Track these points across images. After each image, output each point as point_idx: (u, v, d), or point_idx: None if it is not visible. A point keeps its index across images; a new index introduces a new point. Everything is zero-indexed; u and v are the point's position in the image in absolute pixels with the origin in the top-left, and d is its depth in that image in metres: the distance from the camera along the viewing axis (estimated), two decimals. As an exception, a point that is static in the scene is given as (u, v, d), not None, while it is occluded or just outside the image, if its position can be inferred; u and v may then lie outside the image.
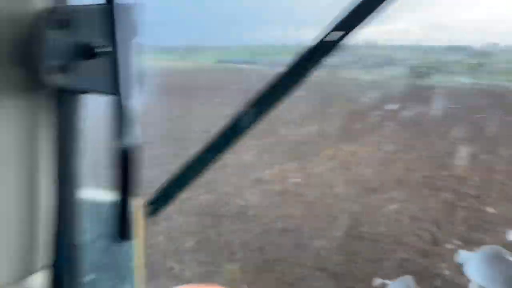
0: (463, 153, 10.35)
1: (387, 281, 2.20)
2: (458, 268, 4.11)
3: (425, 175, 7.95)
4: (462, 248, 4.69)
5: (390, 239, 5.07)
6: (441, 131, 13.04)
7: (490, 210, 5.94)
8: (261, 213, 5.73)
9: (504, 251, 2.15)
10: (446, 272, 4.02)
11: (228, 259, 4.55)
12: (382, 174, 8.23)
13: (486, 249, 2.27)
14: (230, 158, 9.39)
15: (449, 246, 4.74)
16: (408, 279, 2.05)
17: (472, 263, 2.22)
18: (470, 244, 4.80)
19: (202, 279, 4.13)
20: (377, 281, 2.38)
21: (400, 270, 4.11)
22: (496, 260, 2.14)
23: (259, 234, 5.20)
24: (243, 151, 10.10)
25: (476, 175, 8.01)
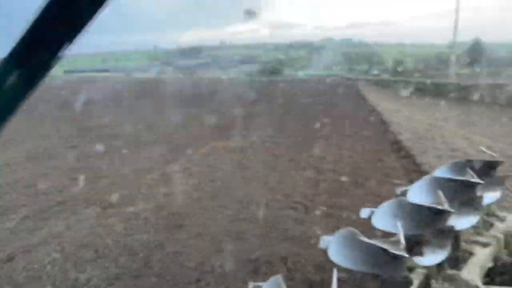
0: (317, 137, 12.05)
1: (260, 284, 2.17)
2: (328, 229, 5.04)
3: (291, 157, 9.11)
4: (328, 211, 5.72)
5: (279, 193, 5.82)
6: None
7: (344, 178, 7.26)
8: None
9: (357, 232, 2.31)
10: (318, 232, 4.88)
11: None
12: (257, 158, 9.12)
13: (342, 232, 2.38)
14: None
15: (317, 211, 5.70)
16: (279, 279, 2.07)
17: (332, 246, 2.35)
18: (333, 207, 5.87)
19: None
20: (250, 285, 2.33)
21: (283, 236, 4.84)
22: (350, 241, 2.32)
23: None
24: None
25: (330, 155, 9.50)
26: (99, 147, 10.59)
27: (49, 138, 13.13)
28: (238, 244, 4.63)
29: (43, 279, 4.08)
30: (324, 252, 4.21)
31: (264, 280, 2.16)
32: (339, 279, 2.03)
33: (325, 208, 5.84)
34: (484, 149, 3.91)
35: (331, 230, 4.74)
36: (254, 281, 2.38)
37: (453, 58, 29.05)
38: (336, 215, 5.52)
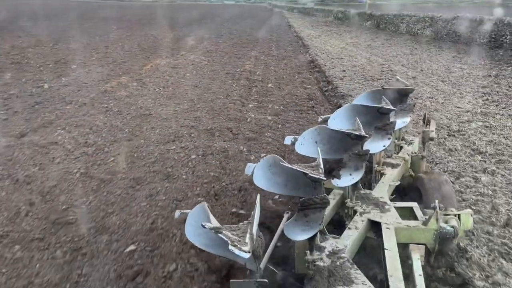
0: (249, 56, 13.96)
1: (186, 211, 2.19)
2: (261, 115, 7.21)
3: (228, 72, 11.01)
4: (258, 105, 7.87)
5: (222, 94, 7.77)
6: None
7: (270, 85, 9.44)
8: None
9: (279, 158, 2.40)
10: (252, 115, 7.03)
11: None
12: (199, 73, 10.87)
13: (265, 158, 2.46)
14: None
15: (251, 105, 7.83)
16: (204, 205, 2.14)
17: (256, 172, 2.43)
18: (262, 102, 8.03)
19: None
20: (177, 213, 2.46)
21: (228, 118, 6.90)
22: (273, 167, 2.43)
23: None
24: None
25: (259, 70, 11.55)
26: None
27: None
28: (196, 124, 6.60)
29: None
30: (255, 122, 6.43)
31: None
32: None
33: (256, 103, 7.99)
34: (398, 77, 4.12)
35: (261, 113, 6.97)
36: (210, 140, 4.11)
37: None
38: (264, 106, 7.72)
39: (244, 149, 5.46)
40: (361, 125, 2.74)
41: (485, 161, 4.89)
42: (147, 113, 7.18)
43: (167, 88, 9.13)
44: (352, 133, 2.70)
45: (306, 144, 2.84)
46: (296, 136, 3.06)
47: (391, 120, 3.15)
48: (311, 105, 7.72)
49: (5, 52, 13.05)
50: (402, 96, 3.70)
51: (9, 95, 8.25)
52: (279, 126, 6.52)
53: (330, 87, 9.23)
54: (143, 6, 63.48)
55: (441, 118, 6.52)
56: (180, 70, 11.12)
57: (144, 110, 7.39)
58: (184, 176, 4.64)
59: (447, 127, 6.13)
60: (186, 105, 7.69)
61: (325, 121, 3.33)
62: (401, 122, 3.53)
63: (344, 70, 11.07)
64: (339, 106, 7.47)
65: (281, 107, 7.65)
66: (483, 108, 7.11)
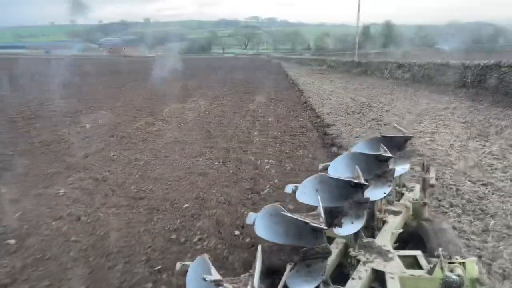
0: (252, 100, 16.47)
1: (187, 263, 2.28)
2: (264, 138, 9.48)
3: (235, 112, 13.42)
4: (261, 132, 10.15)
5: (232, 127, 10.01)
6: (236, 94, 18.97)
7: (270, 119, 11.80)
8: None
9: (280, 208, 2.40)
10: (257, 139, 9.28)
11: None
12: (211, 113, 13.27)
13: (266, 208, 2.46)
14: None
15: (255, 132, 10.11)
16: (205, 257, 2.10)
17: (257, 222, 2.43)
18: (264, 131, 10.30)
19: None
20: (178, 265, 2.47)
21: (238, 141, 9.12)
22: (275, 217, 2.42)
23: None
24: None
25: (260, 109, 13.97)
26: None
27: None
28: (214, 145, 8.82)
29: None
30: (260, 143, 8.75)
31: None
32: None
33: (259, 131, 10.28)
34: (396, 125, 4.32)
35: (263, 137, 9.27)
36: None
37: (356, 39, 35.48)
38: (265, 133, 9.98)
39: (252, 158, 7.66)
40: (360, 173, 2.79)
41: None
42: (175, 141, 9.44)
43: (186, 124, 11.47)
44: (352, 181, 2.74)
45: (307, 192, 2.84)
46: (297, 185, 3.09)
47: (390, 167, 3.19)
48: (302, 131, 10.00)
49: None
50: (400, 143, 3.75)
51: (63, 133, 10.56)
52: (277, 144, 8.77)
53: (318, 120, 11.56)
54: (143, 60, 68.00)
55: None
56: (194, 112, 13.54)
57: (173, 138, 9.66)
58: (212, 174, 6.81)
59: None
60: (204, 135, 9.97)
61: (325, 169, 3.33)
62: (400, 168, 3.55)
63: (331, 107, 13.49)
64: (325, 133, 9.79)
65: (279, 133, 9.93)
66: (431, 129, 9.37)
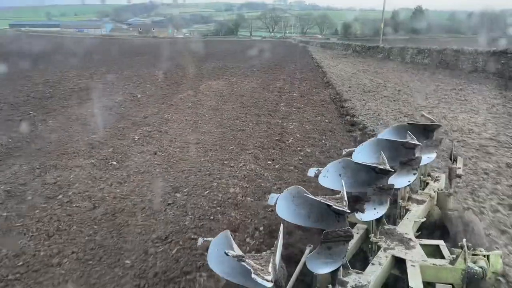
0: (279, 79, 18.34)
1: (209, 238, 2.19)
2: (289, 108, 11.42)
3: (263, 88, 15.35)
4: (287, 105, 12.07)
5: (261, 99, 11.93)
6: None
7: (295, 94, 13.69)
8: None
9: (303, 189, 2.40)
10: (283, 109, 11.20)
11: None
12: (243, 89, 15.25)
13: (289, 189, 2.47)
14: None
15: (282, 104, 12.02)
16: (227, 233, 2.11)
17: (279, 203, 2.45)
18: (289, 105, 12.20)
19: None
20: (200, 240, 2.47)
21: (267, 110, 11.06)
22: (297, 198, 2.45)
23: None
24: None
25: (286, 87, 15.81)
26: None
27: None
28: (248, 112, 10.78)
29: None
30: (285, 111, 10.74)
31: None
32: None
33: (285, 104, 12.17)
34: (424, 114, 4.33)
35: (288, 107, 11.25)
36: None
37: (382, 25, 36.54)
38: (290, 105, 11.87)
39: (279, 121, 9.62)
40: (386, 159, 2.77)
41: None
42: (215, 108, 11.46)
43: (222, 97, 13.48)
44: (377, 167, 2.72)
45: (330, 176, 2.86)
46: (320, 168, 3.06)
47: (416, 155, 3.16)
48: (322, 104, 11.86)
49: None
50: (428, 132, 3.71)
51: (119, 100, 12.76)
52: (300, 112, 10.68)
53: (337, 96, 13.35)
54: (172, 41, 70.34)
55: (404, 107, 10.51)
56: (227, 87, 15.53)
57: (213, 107, 11.69)
58: (247, 130, 8.81)
59: (409, 114, 10.11)
60: (238, 104, 11.96)
61: (349, 154, 3.31)
62: (426, 158, 3.52)
63: (350, 87, 15.22)
64: (341, 106, 11.59)
65: (302, 105, 11.82)
66: (433, 104, 11.05)
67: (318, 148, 7.44)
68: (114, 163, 6.66)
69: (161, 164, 6.58)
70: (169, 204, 5.08)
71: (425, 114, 4.46)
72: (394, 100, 11.96)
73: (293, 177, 5.95)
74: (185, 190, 5.51)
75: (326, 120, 9.76)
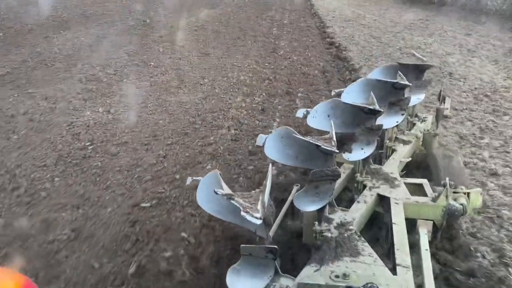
0: (270, 9, 20.34)
1: (198, 178, 2.29)
2: (280, 32, 13.82)
3: (257, 16, 17.53)
4: (277, 29, 14.45)
5: (256, 25, 14.27)
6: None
7: (285, 21, 15.99)
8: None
9: (291, 130, 2.45)
10: (275, 31, 13.61)
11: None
12: (238, 17, 17.41)
13: (278, 130, 2.52)
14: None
15: (273, 30, 14.39)
16: (216, 173, 2.18)
17: (268, 143, 2.51)
18: (280, 29, 14.56)
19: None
20: (188, 179, 2.53)
21: (262, 33, 13.44)
22: (285, 138, 2.50)
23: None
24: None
25: (278, 16, 17.99)
26: None
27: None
28: (245, 33, 13.14)
29: None
30: (276, 35, 13.26)
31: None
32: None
33: (276, 28, 14.52)
34: (414, 52, 4.08)
35: (280, 31, 13.70)
36: None
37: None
38: (281, 29, 14.25)
39: (272, 40, 12.13)
40: (375, 100, 2.80)
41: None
42: (218, 31, 13.77)
43: (221, 23, 15.70)
44: (366, 107, 2.76)
45: (319, 117, 2.88)
46: (309, 109, 3.10)
47: (405, 96, 3.20)
48: (308, 29, 14.31)
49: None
50: (418, 72, 3.72)
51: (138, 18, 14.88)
52: (289, 35, 13.19)
53: (321, 23, 15.72)
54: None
55: (375, 32, 13.03)
56: (225, 16, 17.66)
57: (215, 30, 13.98)
58: (248, 46, 11.29)
59: (375, 38, 12.64)
60: (237, 29, 14.29)
61: (338, 95, 3.30)
62: (415, 98, 3.56)
63: (333, 16, 17.50)
64: (324, 31, 14.00)
65: (291, 30, 14.25)
66: (399, 31, 13.60)
67: (302, 56, 10.07)
68: (152, 63, 9.20)
69: (187, 65, 9.16)
70: (201, 84, 7.76)
71: (416, 54, 4.44)
72: (369, 27, 14.43)
73: (283, 73, 8.62)
74: (210, 78, 8.17)
75: (310, 40, 12.29)
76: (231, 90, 7.32)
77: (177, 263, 3.10)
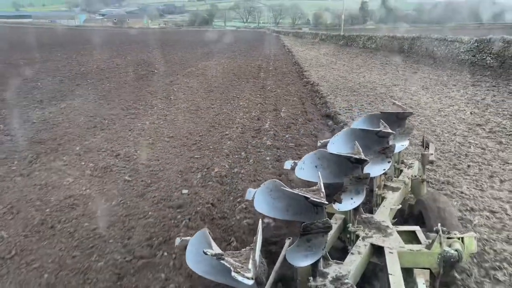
0: (257, 60, 24.27)
1: (187, 238, 2.30)
2: (266, 75, 17.43)
3: (247, 64, 21.25)
4: (264, 73, 18.07)
5: (246, 71, 17.70)
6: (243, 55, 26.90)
7: (270, 68, 19.67)
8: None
9: (280, 183, 2.48)
10: (262, 75, 17.16)
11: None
12: (231, 66, 21.08)
13: (266, 183, 2.54)
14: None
15: (261, 74, 17.98)
16: (205, 232, 2.19)
17: (257, 197, 2.53)
18: (266, 73, 18.15)
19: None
20: (177, 240, 2.49)
21: (252, 76, 16.97)
22: (274, 191, 2.54)
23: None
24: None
25: (262, 66, 21.78)
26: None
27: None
28: (238, 78, 16.61)
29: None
30: (264, 77, 16.93)
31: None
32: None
33: (263, 73, 18.12)
34: (395, 102, 4.32)
35: (266, 75, 17.43)
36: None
37: (342, 16, 43.35)
38: (267, 74, 17.82)
39: (261, 81, 15.56)
40: (360, 149, 2.86)
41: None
42: (215, 76, 17.27)
43: (218, 71, 19.29)
44: (352, 156, 2.79)
45: (306, 168, 2.91)
46: (296, 161, 3.13)
47: (390, 143, 3.26)
48: (289, 73, 17.95)
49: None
50: (399, 119, 3.81)
51: (146, 70, 18.36)
52: (274, 77, 16.71)
53: (300, 69, 19.44)
54: (149, 32, 74.91)
55: (343, 74, 16.64)
56: (219, 65, 21.38)
57: (214, 75, 17.49)
58: (242, 86, 14.69)
59: (342, 77, 16.22)
60: (231, 74, 17.84)
61: (324, 145, 3.36)
62: (400, 145, 3.65)
63: (310, 63, 21.38)
64: (302, 74, 17.63)
65: (275, 74, 17.87)
66: (362, 71, 17.26)
67: (284, 90, 13.45)
68: (172, 97, 12.43)
69: (198, 98, 12.40)
70: (212, 108, 10.96)
71: (396, 102, 4.56)
72: (338, 70, 18.14)
73: (271, 100, 11.87)
74: (217, 104, 11.39)
75: (291, 80, 15.83)
76: (234, 110, 10.47)
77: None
